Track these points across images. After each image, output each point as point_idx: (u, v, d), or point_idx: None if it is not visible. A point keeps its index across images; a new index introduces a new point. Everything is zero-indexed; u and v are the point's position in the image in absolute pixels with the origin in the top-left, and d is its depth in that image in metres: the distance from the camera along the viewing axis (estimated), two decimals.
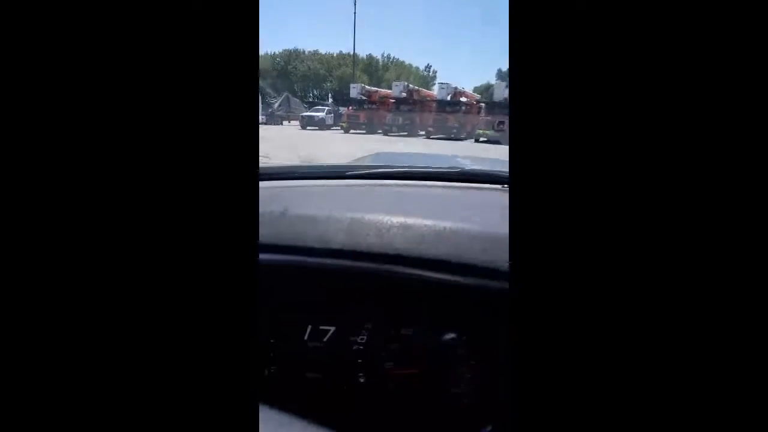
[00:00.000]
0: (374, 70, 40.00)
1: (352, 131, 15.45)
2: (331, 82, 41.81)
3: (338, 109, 18.56)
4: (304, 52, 46.21)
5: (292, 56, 45.19)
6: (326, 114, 18.17)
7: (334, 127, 17.98)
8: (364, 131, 15.40)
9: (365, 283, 0.50)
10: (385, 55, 44.63)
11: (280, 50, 45.49)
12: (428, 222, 0.50)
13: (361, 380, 0.50)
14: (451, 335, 0.50)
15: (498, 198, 0.69)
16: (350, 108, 16.82)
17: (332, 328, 0.52)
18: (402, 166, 0.84)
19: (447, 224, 0.49)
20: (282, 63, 44.11)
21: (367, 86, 18.49)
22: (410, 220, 0.50)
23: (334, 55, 46.98)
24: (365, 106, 16.43)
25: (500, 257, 0.45)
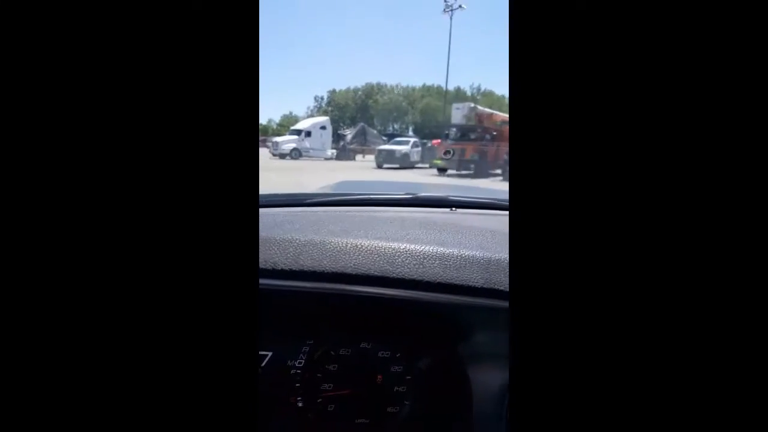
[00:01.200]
0: (462, 102, 35.36)
1: (451, 172, 10.20)
2: (413, 114, 38.57)
3: (426, 143, 13.67)
4: (386, 85, 44.13)
5: (374, 90, 43.40)
6: (411, 147, 13.38)
7: (421, 165, 13.07)
8: (471, 172, 10.01)
9: (302, 303, 0.49)
10: (474, 86, 40.22)
11: (363, 84, 43.99)
12: (375, 242, 0.49)
13: (300, 404, 0.50)
14: (386, 352, 0.51)
15: (447, 218, 0.73)
16: (447, 140, 11.63)
17: (269, 354, 0.50)
18: (361, 193, 0.85)
19: (395, 244, 0.49)
20: (363, 97, 42.40)
21: (478, 106, 13.21)
22: (358, 240, 0.49)
23: (417, 87, 44.09)
24: (472, 136, 11.04)
25: (443, 272, 0.45)
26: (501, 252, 0.49)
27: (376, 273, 0.45)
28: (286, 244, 0.48)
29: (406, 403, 0.50)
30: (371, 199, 0.81)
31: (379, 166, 12.09)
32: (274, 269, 0.46)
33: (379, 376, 0.50)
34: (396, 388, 0.50)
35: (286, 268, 0.46)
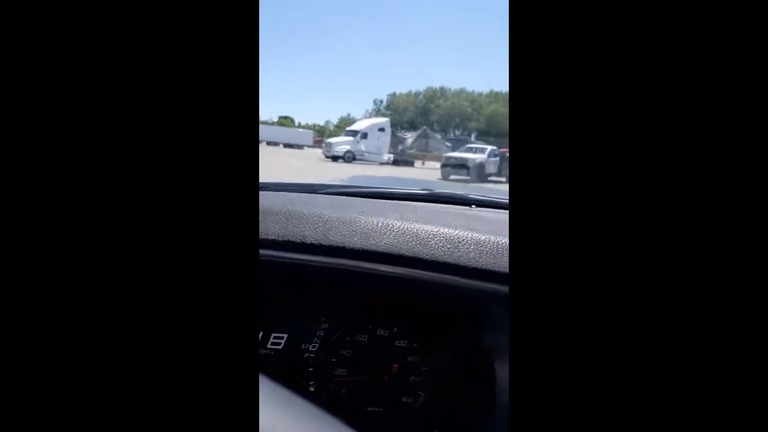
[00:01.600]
0: None
1: None
2: (477, 121, 35.82)
3: (504, 152, 11.19)
4: (449, 89, 41.82)
5: (436, 94, 41.30)
6: (489, 156, 10.97)
7: (497, 178, 10.60)
8: None
9: (325, 281, 0.49)
10: None
11: (424, 88, 42.09)
12: (407, 224, 0.48)
13: (312, 389, 0.50)
14: (403, 342, 0.51)
15: (474, 212, 0.72)
16: None
17: (285, 335, 0.51)
18: (379, 187, 0.84)
19: (428, 227, 0.48)
20: (424, 101, 40.50)
21: None
22: (390, 221, 0.49)
23: (484, 93, 41.22)
24: None
25: (464, 256, 0.45)
26: None
27: (408, 254, 0.45)
28: (316, 218, 0.48)
29: (421, 393, 0.50)
30: (389, 193, 0.79)
31: (445, 178, 9.86)
32: (303, 243, 0.45)
33: (395, 365, 0.50)
34: (412, 378, 0.50)
35: (315, 243, 0.45)
